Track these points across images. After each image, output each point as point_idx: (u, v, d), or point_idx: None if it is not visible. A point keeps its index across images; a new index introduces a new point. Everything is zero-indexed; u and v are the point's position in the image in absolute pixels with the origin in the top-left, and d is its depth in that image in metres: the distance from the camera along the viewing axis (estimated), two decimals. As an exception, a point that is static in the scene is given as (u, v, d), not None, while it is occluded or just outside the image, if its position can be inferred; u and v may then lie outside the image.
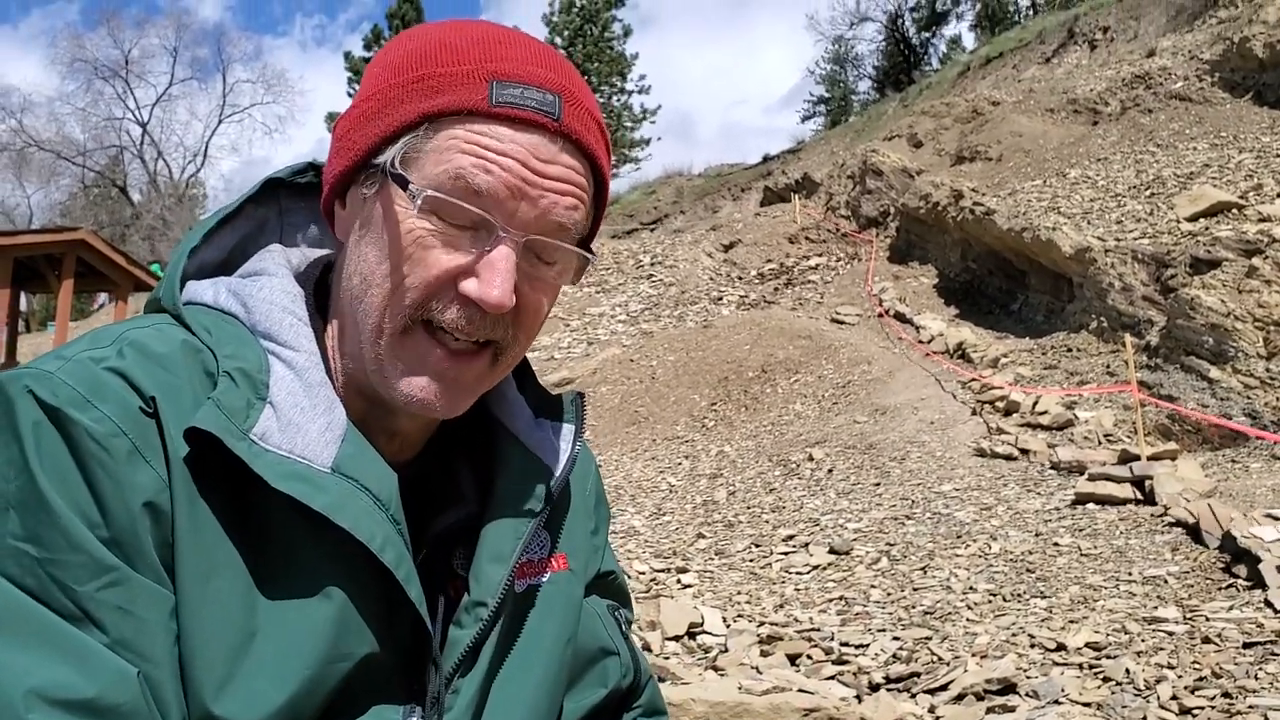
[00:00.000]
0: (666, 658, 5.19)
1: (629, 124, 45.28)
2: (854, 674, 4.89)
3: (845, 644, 5.27)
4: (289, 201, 1.13)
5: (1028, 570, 6.15)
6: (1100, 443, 9.25)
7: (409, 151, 0.92)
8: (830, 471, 9.55)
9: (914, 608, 5.72)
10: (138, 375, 0.87)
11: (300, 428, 0.91)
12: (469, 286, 0.92)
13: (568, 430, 1.13)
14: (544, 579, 1.09)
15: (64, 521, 0.81)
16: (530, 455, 1.08)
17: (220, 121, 50.72)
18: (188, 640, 0.85)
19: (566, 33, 44.58)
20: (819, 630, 5.49)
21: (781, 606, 6.07)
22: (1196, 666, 4.50)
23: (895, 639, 5.26)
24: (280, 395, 0.92)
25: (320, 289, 1.07)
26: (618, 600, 1.25)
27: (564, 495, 1.14)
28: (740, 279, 20.34)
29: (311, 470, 0.89)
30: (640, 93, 46.19)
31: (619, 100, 45.67)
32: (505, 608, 1.02)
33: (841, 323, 16.19)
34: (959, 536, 7.02)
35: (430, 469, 1.07)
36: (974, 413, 10.80)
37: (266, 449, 0.88)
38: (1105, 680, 4.48)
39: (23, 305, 23.10)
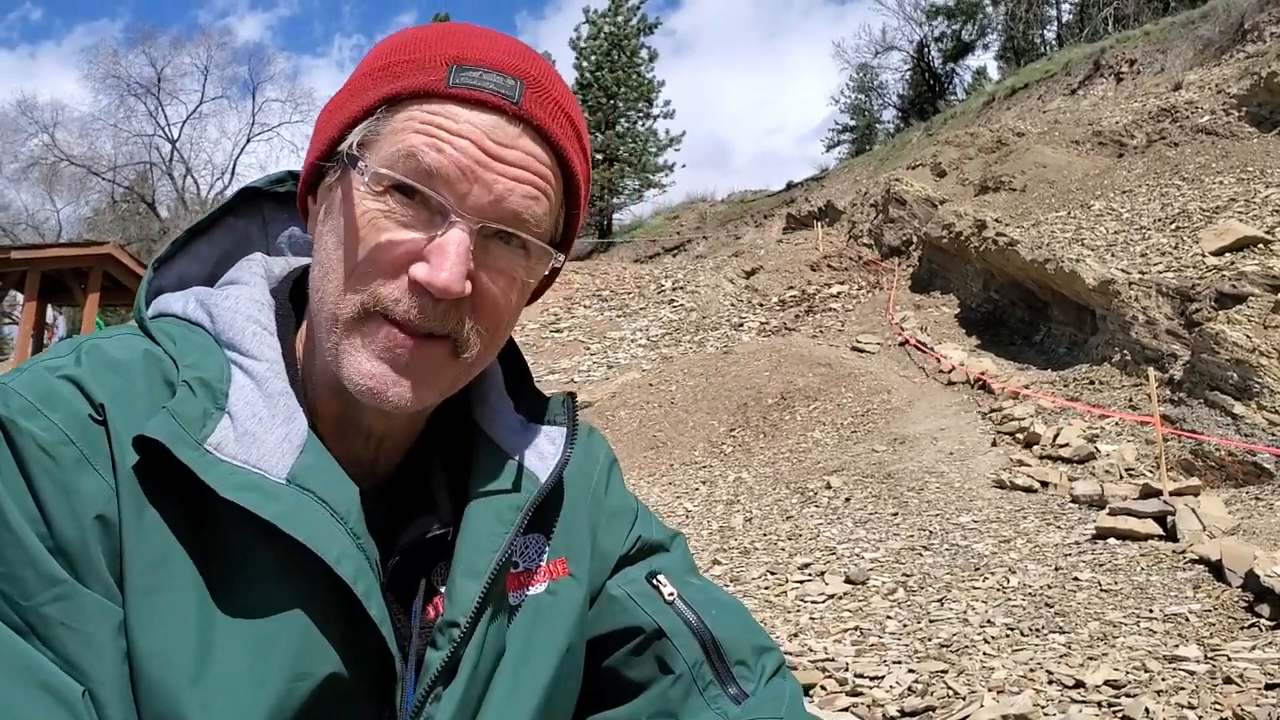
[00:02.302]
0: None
1: (653, 149, 45.42)
2: (868, 706, 4.83)
3: (860, 675, 5.21)
4: (272, 212, 1.11)
5: (1046, 605, 6.08)
6: (1122, 477, 9.16)
7: (367, 135, 0.91)
8: (848, 500, 9.49)
9: (930, 640, 5.65)
10: (90, 382, 0.86)
11: (257, 438, 0.88)
12: (418, 271, 0.89)
13: (558, 433, 1.09)
14: (540, 589, 1.04)
15: (17, 534, 0.79)
16: (510, 462, 1.04)
17: (249, 140, 51.31)
18: (142, 657, 0.82)
19: (594, 57, 44.83)
20: (833, 660, 5.44)
21: (796, 635, 6.01)
22: (1218, 707, 4.43)
23: (910, 671, 5.19)
24: (239, 405, 0.90)
25: (299, 294, 1.04)
26: (650, 556, 1.18)
27: (558, 499, 1.09)
28: (761, 305, 20.32)
29: (265, 481, 0.86)
30: (665, 118, 46.36)
31: (644, 125, 45.85)
32: (487, 624, 0.97)
33: (862, 351, 16.13)
34: (977, 569, 6.95)
35: (406, 478, 1.04)
36: (994, 444, 10.73)
37: (221, 459, 0.85)
38: (1124, 719, 4.41)
39: (49, 318, 23.30)
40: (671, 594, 1.12)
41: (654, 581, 1.14)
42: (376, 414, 0.97)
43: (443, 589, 0.97)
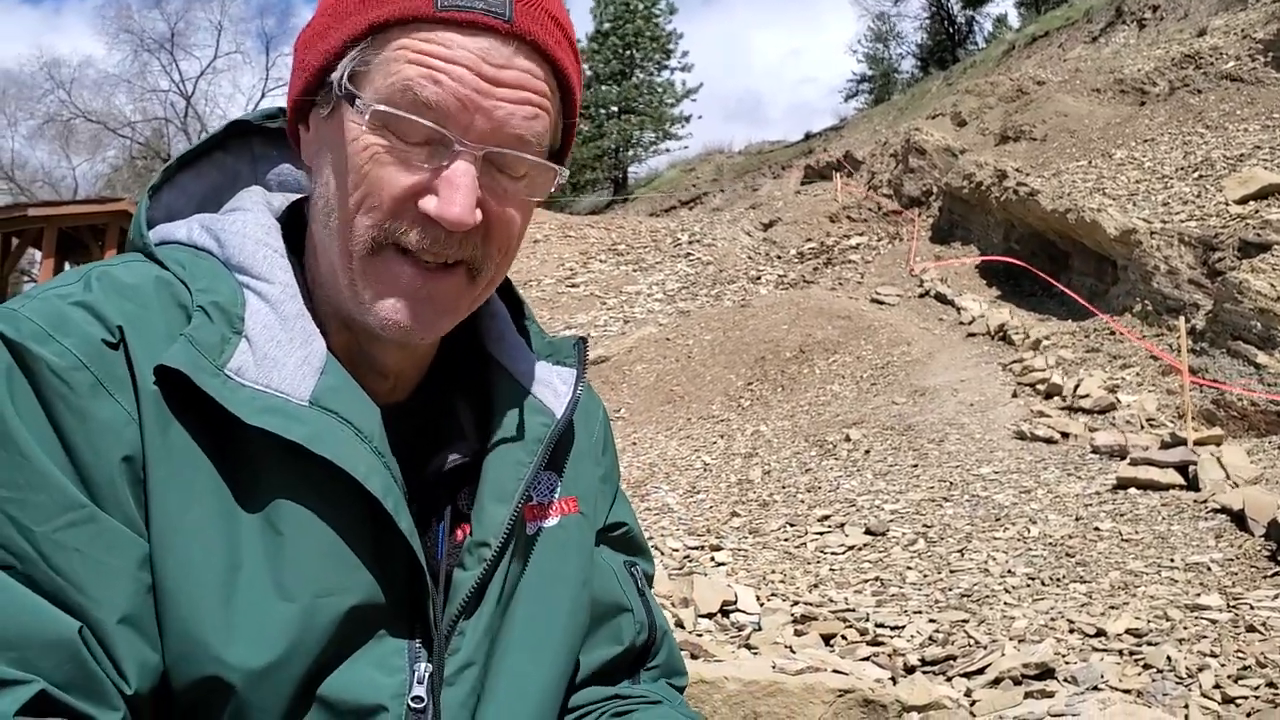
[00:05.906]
0: (699, 635, 5.17)
1: (670, 101, 45.06)
2: (889, 656, 4.85)
3: (881, 625, 5.23)
4: (262, 148, 1.10)
5: (1067, 554, 6.08)
6: (1143, 427, 9.12)
7: (358, 65, 0.89)
8: (867, 452, 9.48)
9: (951, 590, 5.67)
10: (103, 307, 0.86)
11: (276, 361, 0.88)
12: (428, 205, 0.89)
13: (569, 373, 1.11)
14: (554, 522, 1.07)
15: (32, 460, 0.79)
16: (530, 396, 1.06)
17: (263, 95, 50.87)
18: (172, 578, 0.82)
19: (611, 8, 44.41)
20: (854, 611, 5.46)
21: (816, 586, 6.04)
22: (1240, 655, 4.43)
23: (931, 621, 5.21)
24: (255, 329, 0.90)
25: (298, 226, 1.04)
26: (632, 554, 1.22)
27: (568, 438, 1.11)
28: (779, 258, 20.20)
29: (289, 404, 0.87)
30: (683, 70, 45.92)
31: (662, 78, 45.47)
32: (514, 549, 0.99)
33: (881, 303, 16.04)
34: (997, 519, 6.95)
35: (429, 407, 1.05)
36: (1014, 395, 10.68)
37: (242, 384, 0.86)
38: (1146, 667, 4.42)
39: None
40: (643, 587, 1.20)
41: (632, 570, 1.19)
42: (390, 348, 0.98)
43: (470, 513, 0.99)
